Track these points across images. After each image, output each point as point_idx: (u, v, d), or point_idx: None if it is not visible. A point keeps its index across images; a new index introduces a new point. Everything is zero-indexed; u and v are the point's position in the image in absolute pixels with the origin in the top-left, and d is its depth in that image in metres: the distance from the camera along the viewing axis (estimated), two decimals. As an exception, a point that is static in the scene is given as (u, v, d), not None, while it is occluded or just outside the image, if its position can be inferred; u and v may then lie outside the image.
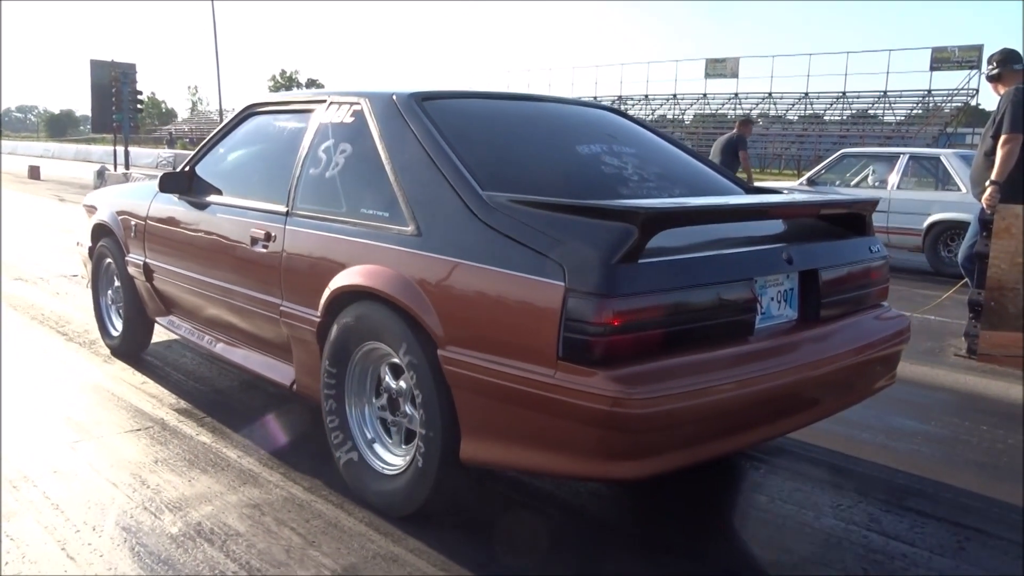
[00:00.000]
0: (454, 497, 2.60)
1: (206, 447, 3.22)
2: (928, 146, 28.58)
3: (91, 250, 4.66)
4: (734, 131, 10.26)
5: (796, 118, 43.93)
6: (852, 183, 9.81)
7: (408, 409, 2.65)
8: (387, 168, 2.76)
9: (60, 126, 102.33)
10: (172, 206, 3.83)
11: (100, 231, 4.53)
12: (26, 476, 2.91)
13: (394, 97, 2.92)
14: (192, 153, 4.09)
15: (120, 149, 22.90)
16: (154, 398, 3.80)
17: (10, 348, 4.63)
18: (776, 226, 2.82)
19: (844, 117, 42.46)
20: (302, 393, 3.07)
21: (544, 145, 3.07)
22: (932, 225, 8.76)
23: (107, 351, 4.54)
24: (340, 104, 3.11)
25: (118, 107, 21.56)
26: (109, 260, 4.50)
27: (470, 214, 2.44)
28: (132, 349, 4.47)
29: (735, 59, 44.91)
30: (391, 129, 2.83)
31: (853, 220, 2.96)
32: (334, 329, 2.77)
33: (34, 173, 22.38)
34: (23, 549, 2.42)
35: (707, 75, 45.47)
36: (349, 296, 2.72)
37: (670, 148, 3.46)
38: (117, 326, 4.53)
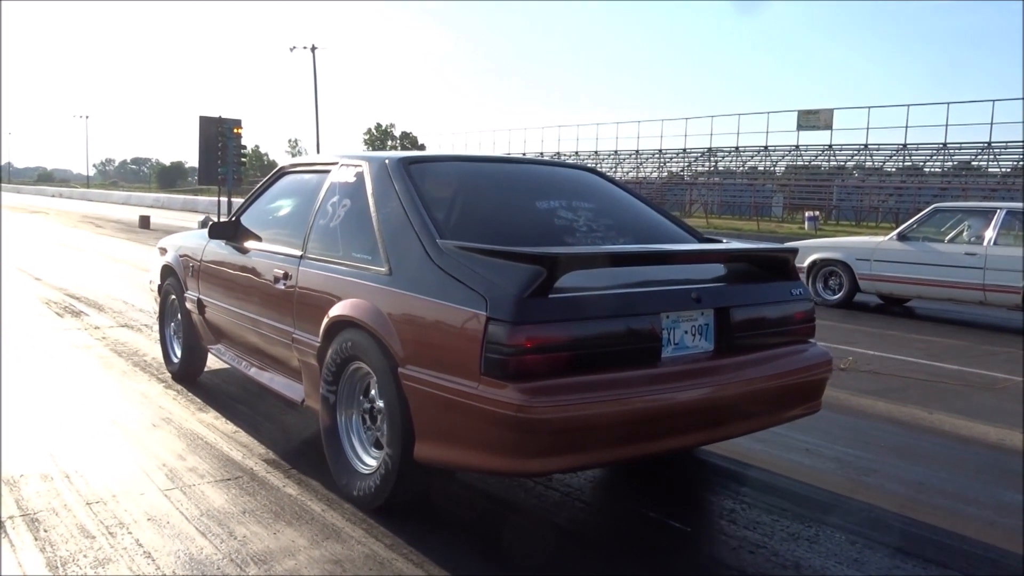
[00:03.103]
0: (414, 492, 3.05)
1: (292, 499, 3.27)
2: (1038, 199, 27.24)
3: (159, 287, 5.36)
4: None
5: (894, 169, 42.48)
6: (946, 239, 9.41)
7: (380, 418, 3.09)
8: (373, 219, 3.30)
9: (170, 177, 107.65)
10: (220, 250, 4.50)
11: (167, 271, 5.24)
12: (122, 522, 3.02)
13: (386, 161, 3.48)
14: (239, 204, 4.64)
15: (224, 200, 23.99)
16: (244, 447, 3.90)
17: (112, 393, 4.86)
18: (698, 270, 3.18)
19: (945, 169, 40.80)
20: (309, 407, 3.58)
21: (506, 201, 3.57)
22: None
23: (202, 399, 4.71)
24: (348, 166, 3.69)
25: (223, 161, 22.65)
26: (173, 296, 5.18)
27: (427, 257, 2.95)
28: (190, 375, 5.11)
29: (828, 110, 43.85)
30: (380, 187, 3.39)
31: (778, 265, 3.34)
32: (329, 352, 3.27)
33: (144, 223, 23.53)
34: (115, 596, 2.49)
35: (799, 127, 44.51)
36: (340, 324, 3.22)
37: (632, 203, 3.94)
38: (178, 353, 5.15)
